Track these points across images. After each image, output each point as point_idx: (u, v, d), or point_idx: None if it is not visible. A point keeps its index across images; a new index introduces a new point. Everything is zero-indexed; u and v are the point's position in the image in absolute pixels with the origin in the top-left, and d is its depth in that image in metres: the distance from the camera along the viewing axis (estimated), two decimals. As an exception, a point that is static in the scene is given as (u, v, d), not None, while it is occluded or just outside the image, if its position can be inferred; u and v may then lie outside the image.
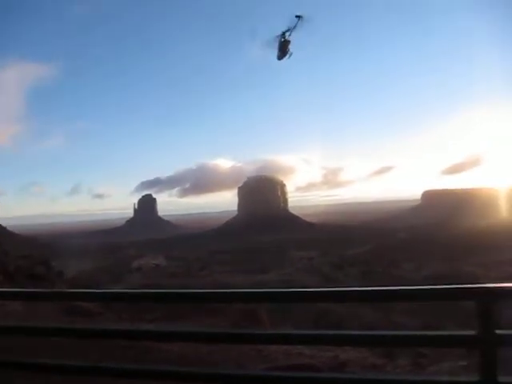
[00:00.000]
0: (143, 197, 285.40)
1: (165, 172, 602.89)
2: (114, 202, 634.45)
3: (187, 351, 7.47)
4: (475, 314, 3.36)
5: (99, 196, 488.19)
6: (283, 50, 29.45)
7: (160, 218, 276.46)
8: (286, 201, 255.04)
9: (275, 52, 29.87)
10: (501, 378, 3.27)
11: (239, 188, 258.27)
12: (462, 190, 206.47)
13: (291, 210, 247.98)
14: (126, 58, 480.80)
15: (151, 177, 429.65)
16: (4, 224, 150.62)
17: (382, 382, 3.91)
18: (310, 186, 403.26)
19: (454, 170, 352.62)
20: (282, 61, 28.21)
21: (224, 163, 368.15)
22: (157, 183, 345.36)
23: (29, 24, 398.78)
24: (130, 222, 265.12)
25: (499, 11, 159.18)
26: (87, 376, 4.35)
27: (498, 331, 3.30)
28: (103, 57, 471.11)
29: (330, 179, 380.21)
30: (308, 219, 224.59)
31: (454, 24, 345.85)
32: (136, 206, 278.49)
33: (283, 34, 29.36)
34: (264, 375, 4.52)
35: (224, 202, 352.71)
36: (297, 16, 28.60)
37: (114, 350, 5.56)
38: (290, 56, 29.31)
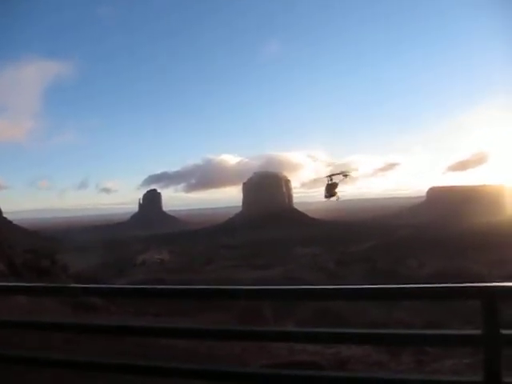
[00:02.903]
0: (148, 192, 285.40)
1: (172, 167, 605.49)
2: (121, 197, 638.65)
3: (191, 346, 7.47)
4: (480, 313, 3.33)
5: (106, 190, 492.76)
6: (330, 191, 29.59)
7: (165, 213, 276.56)
8: (290, 197, 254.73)
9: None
10: (505, 378, 3.24)
11: (244, 184, 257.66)
12: (467, 187, 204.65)
13: (296, 207, 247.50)
14: (136, 56, 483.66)
15: (158, 171, 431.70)
16: (11, 218, 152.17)
17: (382, 381, 3.86)
18: (315, 183, 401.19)
19: (460, 167, 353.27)
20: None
21: (230, 159, 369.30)
22: (163, 178, 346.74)
23: (47, 22, 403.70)
24: (135, 217, 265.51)
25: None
26: (90, 371, 4.32)
27: (503, 331, 3.26)
28: (115, 55, 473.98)
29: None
30: (313, 215, 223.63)
31: (465, 21, 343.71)
32: (141, 201, 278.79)
33: (330, 177, 29.60)
34: (264, 373, 4.50)
35: (229, 197, 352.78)
36: (344, 175, 29.33)
37: (114, 344, 5.56)
38: (337, 199, 29.97)
